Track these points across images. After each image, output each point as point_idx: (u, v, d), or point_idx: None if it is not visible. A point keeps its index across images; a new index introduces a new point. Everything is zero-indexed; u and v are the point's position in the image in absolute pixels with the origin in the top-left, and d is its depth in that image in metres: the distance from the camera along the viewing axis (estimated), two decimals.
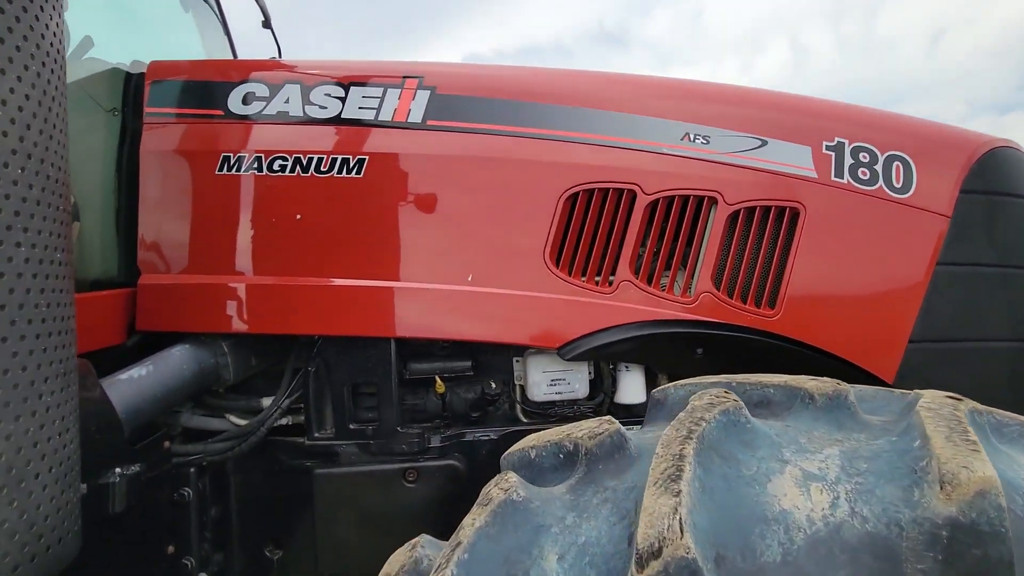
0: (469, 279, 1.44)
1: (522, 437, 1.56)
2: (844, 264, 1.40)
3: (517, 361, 1.60)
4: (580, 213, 1.44)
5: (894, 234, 1.39)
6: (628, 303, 1.41)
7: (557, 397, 1.53)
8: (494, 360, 1.61)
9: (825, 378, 0.81)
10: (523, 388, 1.59)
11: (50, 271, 0.68)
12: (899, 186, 1.39)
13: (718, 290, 1.41)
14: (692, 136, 1.43)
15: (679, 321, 1.41)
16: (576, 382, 1.52)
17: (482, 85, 1.49)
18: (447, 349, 1.60)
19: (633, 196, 1.42)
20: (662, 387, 0.95)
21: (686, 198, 1.42)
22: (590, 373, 1.56)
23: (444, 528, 1.49)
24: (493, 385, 1.57)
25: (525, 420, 1.61)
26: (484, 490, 0.77)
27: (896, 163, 1.40)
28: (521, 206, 1.45)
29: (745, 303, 1.41)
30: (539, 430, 1.55)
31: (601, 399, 1.59)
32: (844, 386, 0.78)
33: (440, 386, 1.55)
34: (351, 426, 1.52)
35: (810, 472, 0.63)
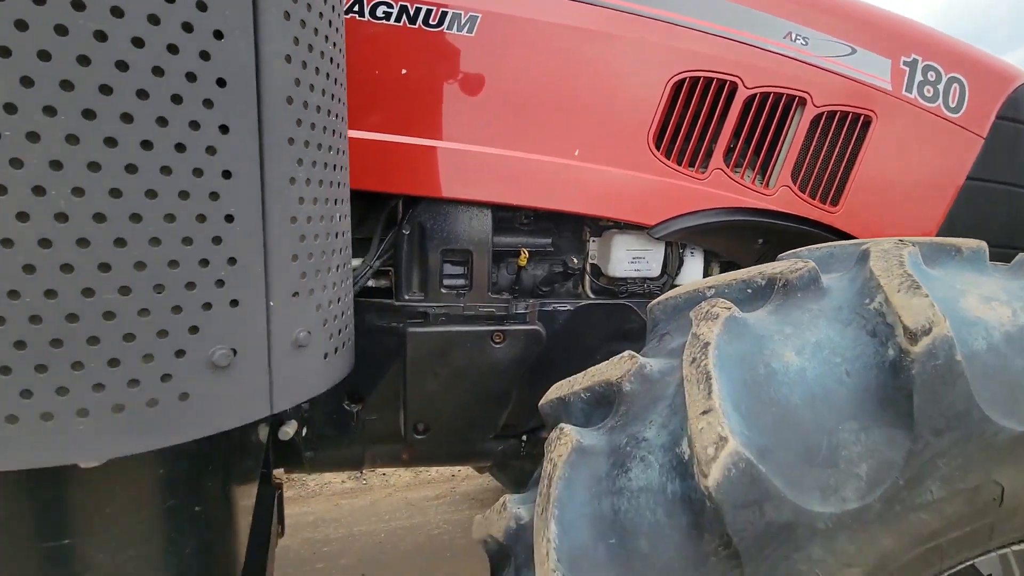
0: (576, 154, 1.49)
1: (594, 310, 1.72)
2: (897, 170, 1.61)
3: (593, 241, 1.70)
4: (684, 100, 1.51)
5: (940, 148, 1.61)
6: (718, 189, 1.54)
7: (634, 274, 1.67)
8: (571, 239, 1.70)
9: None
10: (597, 266, 1.71)
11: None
12: (953, 106, 1.59)
13: (794, 184, 1.57)
14: (794, 36, 1.52)
15: (758, 210, 1.57)
16: (653, 261, 1.66)
17: None
18: (529, 225, 1.66)
19: (734, 88, 1.51)
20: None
21: (780, 96, 1.53)
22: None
23: (527, 385, 1.63)
24: (575, 260, 1.66)
25: (592, 296, 1.75)
26: (697, 311, 0.89)
27: (955, 85, 1.59)
28: (632, 87, 1.49)
29: (814, 199, 1.59)
30: (609, 304, 1.72)
31: (665, 280, 1.75)
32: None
33: (523, 259, 1.63)
34: (442, 289, 1.57)
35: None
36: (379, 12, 1.39)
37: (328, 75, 0.56)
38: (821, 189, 1.59)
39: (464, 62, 1.43)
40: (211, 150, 0.45)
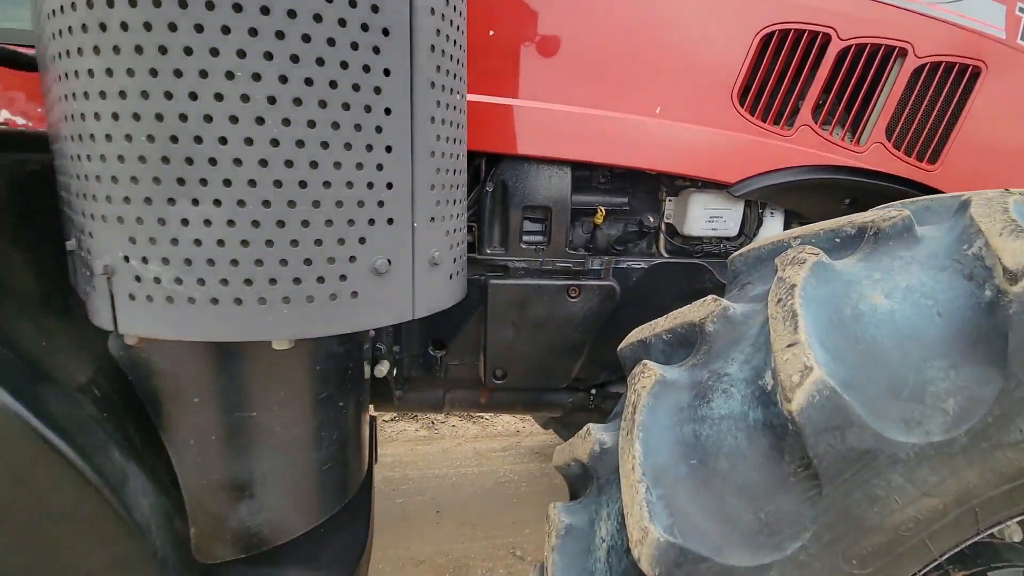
0: (657, 111, 1.50)
1: (668, 269, 1.74)
2: (1007, 126, 1.50)
3: (670, 200, 1.72)
4: (771, 54, 1.47)
5: None
6: (804, 147, 1.51)
7: (712, 233, 1.68)
8: (647, 198, 1.72)
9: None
10: (672, 225, 1.73)
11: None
12: None
13: (888, 141, 1.51)
14: None
15: (846, 168, 1.53)
16: (731, 220, 1.66)
17: None
18: (607, 184, 1.70)
19: (827, 40, 1.46)
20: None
21: (877, 47, 1.46)
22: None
23: (600, 340, 1.69)
24: (651, 219, 1.69)
25: (666, 255, 1.77)
26: (782, 258, 0.92)
27: None
28: (717, 42, 1.47)
29: (910, 156, 1.52)
30: (683, 263, 1.74)
31: (742, 240, 1.74)
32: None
33: (600, 217, 1.67)
34: (521, 245, 1.65)
35: None
36: None
37: (458, 28, 0.64)
38: (919, 146, 1.52)
39: (549, 22, 1.47)
40: (377, 90, 0.54)
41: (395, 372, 1.72)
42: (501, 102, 1.52)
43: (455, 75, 0.68)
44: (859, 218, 0.96)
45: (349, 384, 0.84)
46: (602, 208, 1.66)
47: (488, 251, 1.66)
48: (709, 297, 0.99)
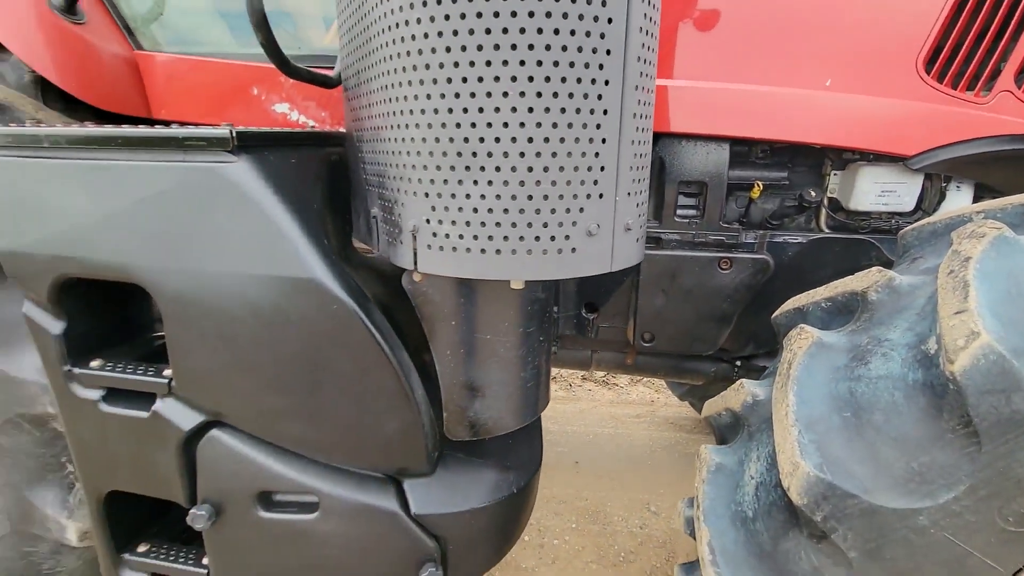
0: (827, 84, 1.49)
1: (830, 244, 1.72)
2: None
3: (835, 174, 1.69)
4: (969, 16, 1.38)
5: None
6: (1003, 114, 1.40)
7: (882, 208, 1.62)
8: (808, 171, 1.71)
9: None
10: (836, 199, 1.70)
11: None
12: None
13: None
14: None
15: None
16: (906, 195, 1.59)
17: None
18: (765, 158, 1.72)
19: None
20: None
21: None
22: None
23: (751, 313, 1.73)
24: (813, 194, 1.68)
25: (828, 230, 1.75)
26: (959, 232, 0.94)
27: None
28: (901, 9, 1.41)
29: None
30: (847, 239, 1.71)
31: (919, 215, 1.65)
32: None
33: (756, 191, 1.71)
34: (675, 218, 1.76)
35: None
36: None
37: (656, 8, 0.78)
38: None
39: (708, 2, 1.53)
40: (599, 97, 0.72)
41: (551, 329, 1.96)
42: (660, 83, 1.62)
43: (650, 76, 0.84)
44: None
45: (545, 324, 1.07)
46: (759, 183, 1.69)
47: None
48: (874, 268, 1.04)
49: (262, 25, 0.95)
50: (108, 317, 1.13)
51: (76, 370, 1.06)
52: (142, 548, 1.22)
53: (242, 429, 1.04)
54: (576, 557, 2.32)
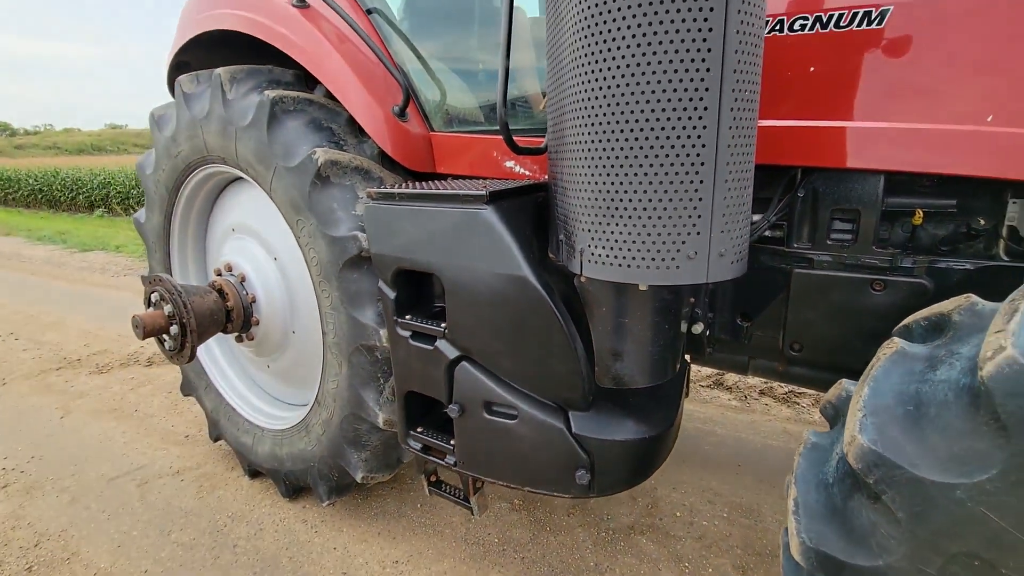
0: (989, 119, 1.57)
1: (1001, 272, 1.73)
2: None
3: (1014, 202, 1.69)
4: None
5: None
6: None
7: None
8: (984, 199, 1.73)
9: None
10: (1015, 228, 1.69)
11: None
12: None
13: None
14: None
15: None
16: None
17: None
18: (930, 187, 1.80)
19: None
20: None
21: None
22: None
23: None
24: (982, 221, 1.72)
25: (1007, 258, 1.74)
26: None
27: None
28: None
29: None
30: (1020, 268, 1.70)
31: None
32: None
33: (918, 218, 1.80)
34: (828, 241, 1.95)
35: None
36: (796, 25, 1.83)
37: (757, 38, 1.16)
38: None
39: (869, 52, 1.72)
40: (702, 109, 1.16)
41: (707, 333, 2.29)
42: (819, 124, 1.85)
43: (746, 149, 1.23)
44: None
45: (670, 317, 1.51)
46: (920, 210, 1.79)
47: (795, 245, 2.02)
48: (964, 295, 1.22)
49: (504, 129, 1.61)
50: (414, 293, 1.95)
51: (399, 319, 1.89)
52: (420, 429, 2.03)
53: (479, 362, 1.73)
54: (723, 540, 2.57)
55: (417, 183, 2.09)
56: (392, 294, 1.87)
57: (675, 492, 2.93)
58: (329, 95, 2.34)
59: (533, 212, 1.69)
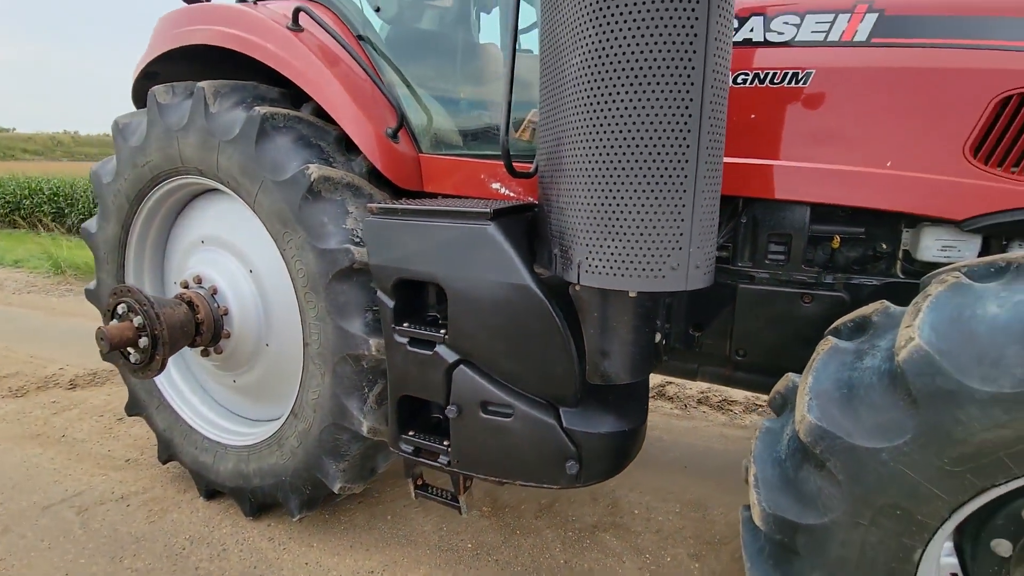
0: (888, 165, 1.97)
1: (901, 287, 2.13)
2: None
3: (907, 231, 2.10)
4: (1011, 112, 1.77)
5: None
6: None
7: (945, 260, 2.00)
8: (883, 228, 2.14)
9: None
10: (908, 251, 2.10)
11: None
12: None
13: None
14: None
15: None
16: (967, 250, 1.96)
17: (934, 4, 1.86)
18: (845, 217, 2.18)
19: None
20: None
21: None
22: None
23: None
24: (884, 246, 2.12)
25: (903, 276, 2.14)
26: (937, 278, 1.42)
27: None
28: (954, 107, 1.85)
29: None
30: (915, 284, 2.09)
31: None
32: None
33: (836, 242, 2.18)
34: (766, 261, 2.29)
35: None
36: (738, 79, 2.19)
37: (725, 91, 1.43)
38: None
39: (797, 105, 2.09)
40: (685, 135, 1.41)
41: (664, 342, 2.57)
42: (759, 162, 2.19)
43: (716, 185, 1.51)
44: (1011, 255, 1.38)
45: (649, 321, 1.75)
46: (838, 236, 2.17)
47: (739, 264, 2.35)
48: (879, 301, 1.54)
49: (506, 156, 1.81)
50: (411, 302, 2.07)
51: (397, 327, 1.99)
52: (411, 432, 2.12)
53: (478, 365, 1.87)
54: (677, 532, 2.82)
55: (416, 200, 2.22)
56: (391, 303, 1.98)
57: (632, 492, 3.16)
58: (317, 113, 2.43)
59: (527, 228, 1.88)
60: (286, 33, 2.30)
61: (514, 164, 2.15)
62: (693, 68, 1.36)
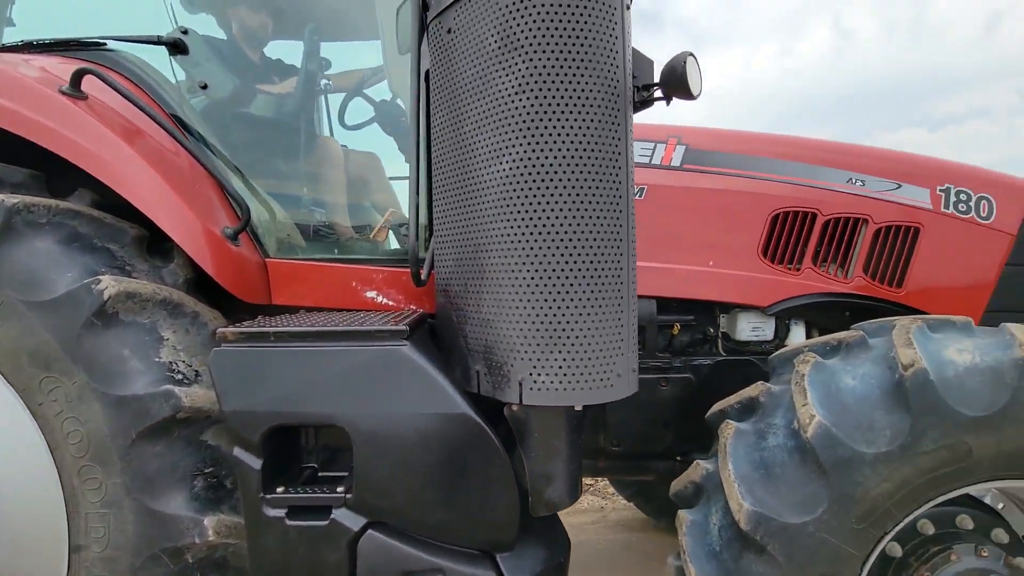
0: (711, 264, 2.38)
1: (727, 364, 2.51)
2: (947, 261, 2.30)
3: (723, 316, 2.54)
4: (781, 225, 2.35)
5: (979, 245, 2.28)
6: (810, 281, 2.34)
7: (755, 338, 2.46)
8: (707, 314, 2.55)
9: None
10: (726, 333, 2.53)
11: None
12: (984, 215, 2.28)
13: (866, 275, 2.32)
14: (854, 180, 2.34)
15: (841, 294, 2.33)
16: (768, 330, 2.45)
17: (721, 143, 2.41)
18: (679, 307, 2.54)
19: (815, 216, 2.34)
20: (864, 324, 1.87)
21: (848, 219, 2.32)
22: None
23: (684, 419, 2.41)
24: (711, 330, 2.51)
25: (724, 354, 2.55)
26: (799, 359, 1.71)
27: (983, 201, 2.29)
28: (745, 221, 2.37)
29: (883, 284, 2.32)
30: (737, 360, 2.51)
31: (777, 342, 2.51)
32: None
33: (676, 329, 2.50)
34: None
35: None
36: None
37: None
38: (887, 277, 2.32)
39: (639, 216, 2.41)
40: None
41: None
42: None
43: (634, 299, 1.58)
44: (839, 336, 1.76)
45: (582, 433, 1.65)
46: (678, 324, 2.49)
47: None
48: (759, 383, 1.78)
49: (414, 263, 1.60)
50: (283, 456, 1.53)
51: (267, 495, 1.42)
52: None
53: (392, 525, 1.45)
54: None
55: (278, 319, 1.73)
56: (257, 462, 1.43)
57: None
58: (98, 205, 1.79)
59: (433, 344, 1.63)
60: (60, 100, 1.67)
61: (377, 268, 1.92)
62: (620, 173, 1.43)
